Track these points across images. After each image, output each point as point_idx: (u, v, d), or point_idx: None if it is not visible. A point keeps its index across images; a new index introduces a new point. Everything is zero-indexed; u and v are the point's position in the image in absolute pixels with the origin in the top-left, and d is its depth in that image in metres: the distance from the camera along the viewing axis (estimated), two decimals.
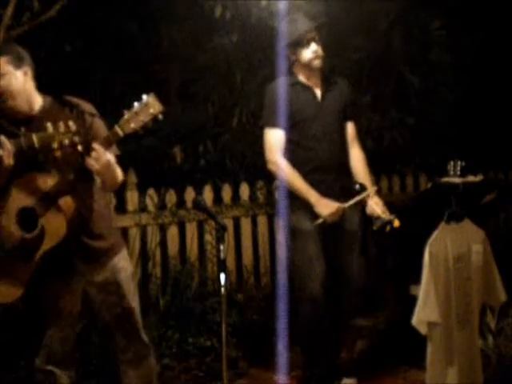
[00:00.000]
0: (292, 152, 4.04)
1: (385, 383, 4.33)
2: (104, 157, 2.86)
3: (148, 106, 2.86)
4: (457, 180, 3.64)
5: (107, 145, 2.89)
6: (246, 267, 5.77)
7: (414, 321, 3.50)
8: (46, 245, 2.95)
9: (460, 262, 3.59)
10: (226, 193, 5.77)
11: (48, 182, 2.94)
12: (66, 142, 2.72)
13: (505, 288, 3.77)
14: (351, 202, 3.96)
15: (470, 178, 3.69)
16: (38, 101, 3.03)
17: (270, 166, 4.08)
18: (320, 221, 3.96)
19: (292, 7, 4.72)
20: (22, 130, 2.82)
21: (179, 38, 6.41)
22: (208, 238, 5.59)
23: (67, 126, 2.72)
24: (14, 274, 2.97)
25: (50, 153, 2.77)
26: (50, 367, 3.16)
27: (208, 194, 5.64)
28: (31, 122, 2.96)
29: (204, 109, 6.39)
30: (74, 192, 2.98)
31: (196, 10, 6.14)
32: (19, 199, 2.93)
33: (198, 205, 3.48)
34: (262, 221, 5.91)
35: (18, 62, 2.94)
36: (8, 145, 2.77)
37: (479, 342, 4.26)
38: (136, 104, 2.86)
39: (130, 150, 5.29)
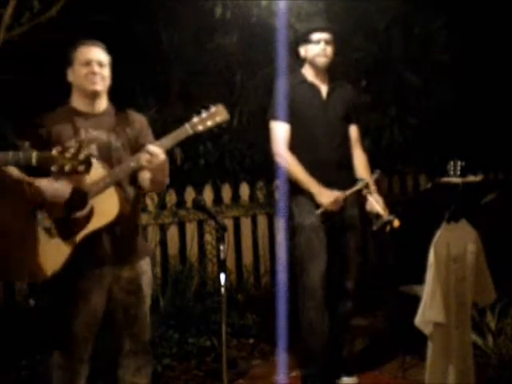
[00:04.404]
0: (295, 147, 4.08)
1: (384, 381, 4.34)
2: (161, 156, 3.07)
3: (216, 114, 3.17)
4: (457, 180, 3.65)
5: (177, 138, 3.12)
6: (245, 267, 5.77)
7: (418, 321, 3.50)
8: (92, 225, 3.02)
9: (457, 262, 3.60)
10: (226, 193, 5.78)
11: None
12: (67, 168, 2.73)
13: (504, 287, 3.77)
14: (351, 190, 3.98)
15: (470, 178, 3.70)
16: (105, 101, 3.27)
17: (276, 158, 4.14)
18: (321, 210, 3.98)
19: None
20: (26, 144, 2.88)
21: (179, 38, 6.41)
22: (208, 238, 5.60)
23: (76, 154, 2.74)
24: (52, 251, 3.00)
25: (48, 171, 2.81)
26: (73, 364, 3.16)
27: (208, 194, 5.65)
28: (96, 116, 3.21)
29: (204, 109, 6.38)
30: (121, 186, 3.14)
31: (196, 10, 6.15)
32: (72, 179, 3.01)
33: (198, 205, 3.49)
34: (261, 221, 5.91)
35: (110, 64, 3.26)
36: None
37: (480, 342, 4.29)
38: (205, 111, 3.16)
39: None
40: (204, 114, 3.14)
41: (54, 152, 2.72)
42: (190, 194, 5.54)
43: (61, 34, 5.56)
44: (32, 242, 2.99)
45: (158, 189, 3.50)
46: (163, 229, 5.42)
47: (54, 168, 2.72)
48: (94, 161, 3.01)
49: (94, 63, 3.15)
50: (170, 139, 3.12)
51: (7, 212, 3.00)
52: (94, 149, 3.09)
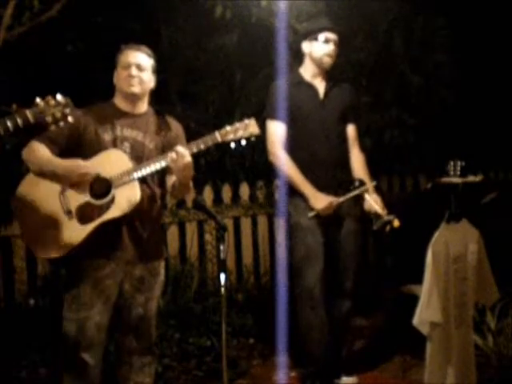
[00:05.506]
0: (291, 148, 4.08)
1: (384, 381, 4.34)
2: (187, 157, 3.17)
3: (247, 127, 3.22)
4: (457, 180, 3.65)
5: (205, 144, 3.22)
6: (246, 267, 5.77)
7: (416, 321, 3.50)
8: (109, 215, 3.09)
9: (458, 262, 3.60)
10: (226, 193, 5.78)
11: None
12: (58, 115, 2.79)
13: (504, 287, 3.77)
14: (346, 196, 3.97)
15: (470, 178, 3.70)
16: (145, 104, 3.36)
17: (271, 158, 4.13)
18: (313, 213, 3.97)
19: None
20: (14, 106, 2.90)
21: (180, 38, 6.42)
22: (208, 238, 5.60)
23: (56, 100, 2.79)
24: (67, 232, 3.10)
25: (45, 127, 2.87)
26: (83, 355, 3.17)
27: (208, 194, 5.65)
28: (135, 117, 3.30)
29: (204, 109, 6.39)
30: (147, 183, 3.24)
31: (196, 10, 6.15)
32: (100, 167, 3.12)
33: (198, 205, 3.49)
34: (262, 221, 5.91)
35: (154, 69, 3.35)
36: None
37: (480, 342, 4.29)
38: (237, 123, 3.23)
39: None
40: (236, 125, 3.22)
41: (40, 104, 2.77)
42: (190, 193, 5.53)
43: (61, 33, 5.58)
44: (54, 222, 3.10)
45: (181, 192, 3.54)
46: (163, 229, 5.42)
47: (48, 119, 2.77)
48: (123, 154, 3.17)
49: (133, 66, 3.26)
50: (198, 144, 3.22)
51: (40, 191, 3.14)
52: (127, 146, 3.22)
